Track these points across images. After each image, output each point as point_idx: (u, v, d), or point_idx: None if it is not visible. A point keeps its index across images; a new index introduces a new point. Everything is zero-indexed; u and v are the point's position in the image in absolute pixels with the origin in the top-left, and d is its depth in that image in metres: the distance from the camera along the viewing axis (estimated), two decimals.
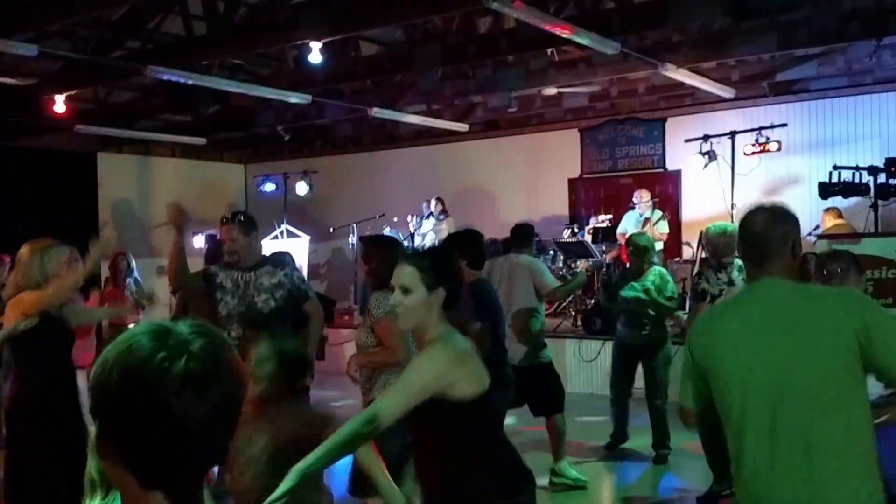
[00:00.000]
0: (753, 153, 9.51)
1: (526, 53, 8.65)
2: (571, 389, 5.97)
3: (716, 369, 2.29)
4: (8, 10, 6.71)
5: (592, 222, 10.87)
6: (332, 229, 12.81)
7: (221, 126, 12.06)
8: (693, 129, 10.30)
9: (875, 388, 2.38)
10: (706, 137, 9.66)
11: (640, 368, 6.45)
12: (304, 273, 10.94)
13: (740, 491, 2.29)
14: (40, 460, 3.74)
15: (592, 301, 9.45)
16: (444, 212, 11.54)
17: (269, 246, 12.44)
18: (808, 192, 9.02)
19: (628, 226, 10.19)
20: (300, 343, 3.37)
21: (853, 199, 7.90)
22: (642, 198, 10.22)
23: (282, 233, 12.83)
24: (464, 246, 4.95)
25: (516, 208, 11.96)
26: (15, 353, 3.93)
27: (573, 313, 9.86)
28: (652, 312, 6.18)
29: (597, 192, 11.94)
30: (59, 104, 8.69)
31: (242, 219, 4.65)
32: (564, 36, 6.65)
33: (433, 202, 11.58)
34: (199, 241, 12.33)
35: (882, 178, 7.09)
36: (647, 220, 10.11)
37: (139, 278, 8.38)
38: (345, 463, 4.45)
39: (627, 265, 6.73)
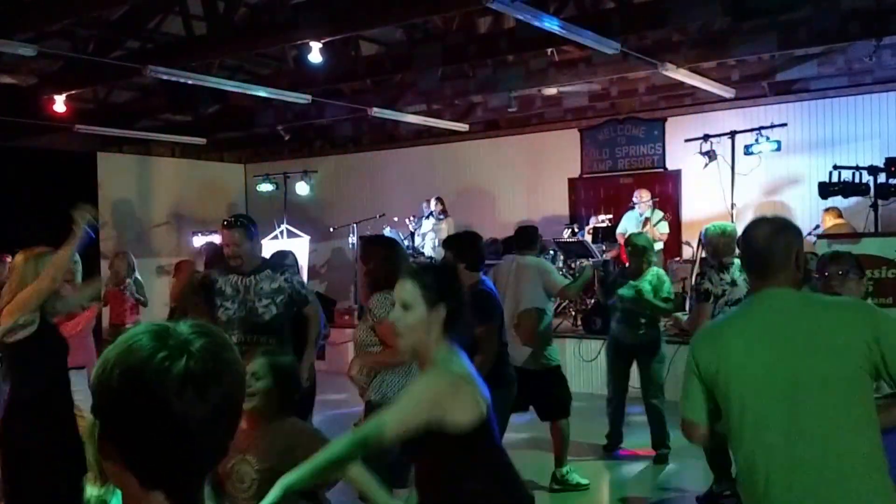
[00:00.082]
0: (752, 153, 9.51)
1: (526, 53, 8.65)
2: (571, 389, 5.96)
3: (726, 380, 2.26)
4: (8, 10, 6.71)
5: (592, 222, 10.87)
6: (332, 229, 12.81)
7: (221, 126, 12.06)
8: (693, 128, 10.29)
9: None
10: (706, 137, 9.66)
11: (635, 368, 6.46)
12: (305, 273, 10.97)
13: (751, 499, 2.26)
14: (39, 461, 3.75)
15: (592, 301, 9.45)
16: (443, 212, 11.54)
17: (269, 246, 12.45)
18: (808, 191, 9.02)
19: (628, 225, 10.19)
20: (294, 359, 3.38)
21: (853, 199, 7.90)
22: (642, 197, 10.23)
23: (282, 233, 12.83)
24: (461, 248, 4.95)
25: (516, 208, 11.98)
26: (13, 358, 3.93)
27: (573, 313, 9.86)
28: (647, 312, 6.20)
29: (597, 192, 11.93)
30: (59, 104, 8.69)
31: (244, 222, 4.63)
32: (564, 36, 6.65)
33: (433, 202, 11.57)
34: (199, 241, 12.35)
35: (882, 177, 7.09)
36: (647, 219, 10.11)
37: (139, 278, 8.38)
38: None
39: (626, 265, 6.74)
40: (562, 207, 12.07)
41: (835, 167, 7.47)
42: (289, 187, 13.01)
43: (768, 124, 9.54)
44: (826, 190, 7.45)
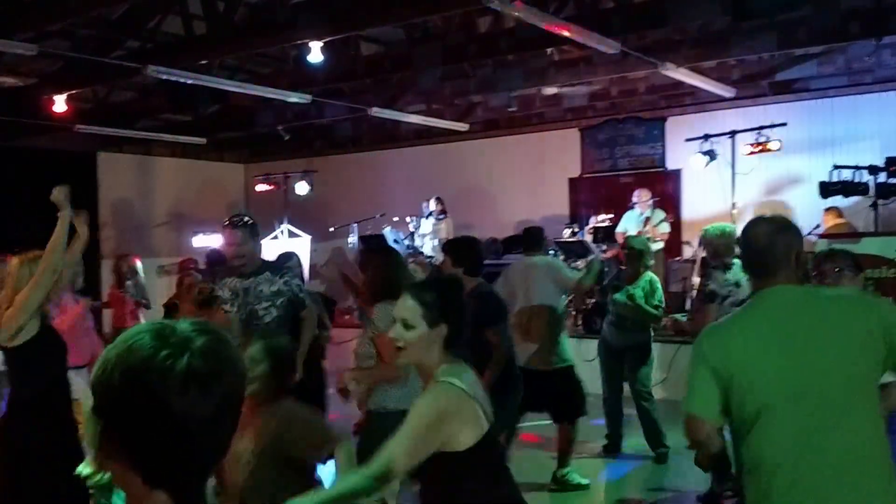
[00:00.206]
0: (753, 153, 9.51)
1: (526, 53, 8.64)
2: None
3: (738, 378, 2.25)
4: (8, 10, 6.71)
5: (592, 222, 10.86)
6: (332, 229, 12.80)
7: (221, 126, 12.05)
8: (693, 128, 10.29)
9: None
10: (706, 137, 9.67)
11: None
12: (307, 273, 10.94)
13: (759, 495, 2.26)
14: (39, 461, 3.74)
15: (592, 301, 9.45)
16: (443, 212, 11.54)
17: (269, 246, 12.44)
18: (809, 191, 9.01)
19: (628, 225, 10.19)
20: (290, 340, 3.37)
21: (853, 199, 7.91)
22: (642, 197, 10.23)
23: (282, 232, 12.84)
24: (460, 253, 4.94)
25: (516, 208, 11.97)
26: (13, 360, 3.91)
27: (573, 313, 9.86)
28: (638, 318, 6.25)
29: (597, 192, 11.92)
30: (59, 104, 8.68)
31: (247, 222, 4.58)
32: (564, 35, 6.65)
33: (432, 202, 11.57)
34: (199, 241, 12.35)
35: (882, 177, 7.11)
36: (647, 219, 10.11)
37: (142, 281, 8.35)
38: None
39: (622, 267, 6.76)
40: (562, 207, 12.06)
41: (835, 167, 7.49)
42: (289, 187, 13.01)
43: (768, 124, 9.54)
44: (826, 189, 7.46)
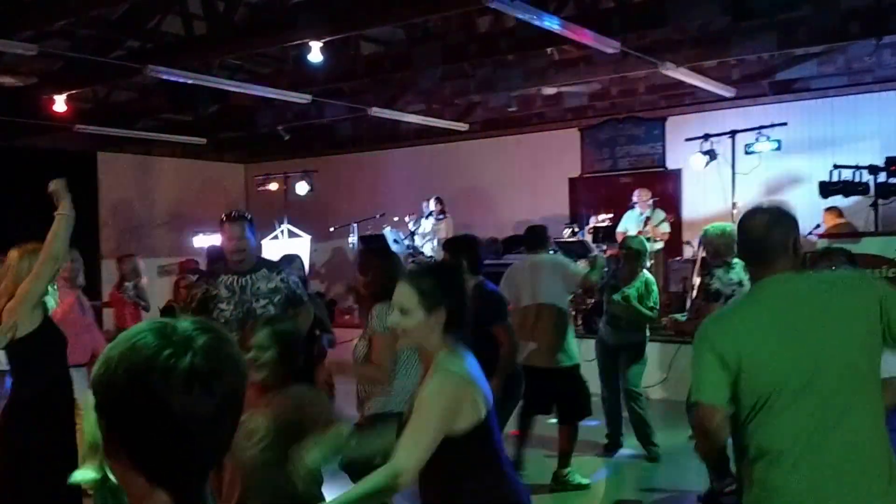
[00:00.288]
0: (753, 152, 9.51)
1: (526, 53, 8.64)
2: None
3: (746, 366, 2.24)
4: (8, 10, 6.70)
5: (593, 222, 10.85)
6: (332, 229, 12.81)
7: (221, 126, 12.05)
8: (693, 128, 10.29)
9: None
10: (706, 136, 9.66)
11: None
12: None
13: (763, 484, 2.26)
14: (39, 461, 3.74)
15: (592, 301, 9.45)
16: (442, 211, 11.54)
17: (269, 246, 12.45)
18: (809, 191, 9.02)
19: (629, 225, 10.19)
20: (295, 323, 3.35)
21: (853, 198, 7.91)
22: (642, 197, 10.23)
23: (282, 232, 12.84)
24: (460, 251, 4.94)
25: (516, 208, 11.97)
26: (14, 354, 3.90)
27: (573, 313, 9.85)
28: (633, 318, 6.27)
29: (597, 192, 11.92)
30: (59, 104, 8.68)
31: (246, 216, 4.55)
32: (564, 35, 6.65)
33: (432, 202, 11.57)
34: (199, 241, 12.35)
35: (882, 177, 7.10)
36: (647, 219, 10.11)
37: (143, 284, 8.35)
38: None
39: (618, 267, 6.77)
40: (562, 207, 12.06)
41: (835, 166, 7.49)
42: (289, 187, 13.01)
43: (768, 123, 9.54)
44: (826, 189, 7.46)
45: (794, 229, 2.38)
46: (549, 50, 8.70)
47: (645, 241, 7.03)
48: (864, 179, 7.33)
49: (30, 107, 9.28)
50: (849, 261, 3.74)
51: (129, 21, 8.08)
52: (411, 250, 11.11)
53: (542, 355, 5.55)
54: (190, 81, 8.11)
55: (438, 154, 13.09)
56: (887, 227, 7.46)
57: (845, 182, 7.39)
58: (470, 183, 12.61)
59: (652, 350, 7.46)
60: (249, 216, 4.59)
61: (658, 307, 6.47)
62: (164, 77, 7.81)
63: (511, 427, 5.55)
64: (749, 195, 9.99)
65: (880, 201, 7.12)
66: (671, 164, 11.35)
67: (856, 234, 7.10)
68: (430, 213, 11.52)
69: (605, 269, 6.29)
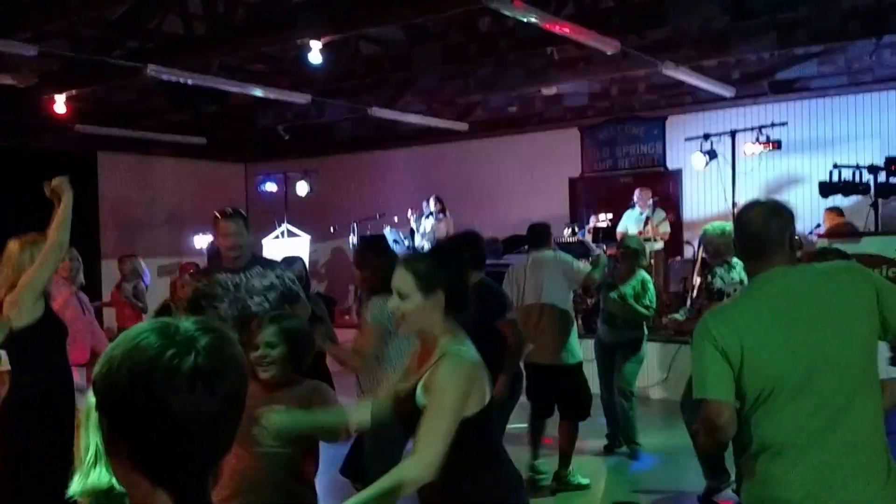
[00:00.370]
0: (753, 153, 9.52)
1: (526, 53, 8.64)
2: None
3: (748, 360, 2.23)
4: (8, 10, 6.70)
5: (593, 222, 10.86)
6: (332, 229, 12.81)
7: (221, 126, 12.06)
8: (693, 127, 10.30)
9: None
10: (707, 136, 9.67)
11: None
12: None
13: (758, 479, 2.26)
14: (39, 462, 3.73)
15: (592, 301, 9.45)
16: (442, 210, 11.54)
17: (270, 246, 12.45)
18: (809, 190, 9.02)
19: (629, 225, 10.19)
20: (302, 320, 3.34)
21: (853, 198, 7.90)
22: (643, 196, 10.23)
23: (282, 233, 12.84)
24: (462, 247, 4.93)
25: (516, 208, 11.96)
26: (13, 345, 3.89)
27: (573, 313, 9.84)
28: (629, 316, 6.29)
29: (597, 192, 11.92)
30: (59, 104, 8.69)
31: (241, 213, 4.49)
32: (564, 35, 6.65)
33: (432, 201, 11.58)
34: (199, 241, 12.36)
35: (882, 176, 7.09)
36: (648, 219, 10.11)
37: (142, 285, 8.36)
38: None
39: (615, 265, 6.78)
40: (562, 207, 12.06)
41: (835, 166, 7.48)
42: (289, 187, 13.01)
43: (768, 123, 9.54)
44: (826, 189, 7.45)
45: (790, 223, 2.39)
46: (549, 50, 8.69)
47: (642, 240, 7.04)
48: (863, 179, 7.32)
49: (30, 107, 9.29)
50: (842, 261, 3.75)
51: (129, 21, 8.07)
52: (411, 250, 11.10)
53: (546, 353, 5.55)
54: (190, 81, 8.11)
55: (438, 154, 13.08)
56: (887, 226, 7.46)
57: (845, 182, 7.38)
58: (470, 183, 12.61)
59: (652, 350, 7.47)
60: (243, 212, 4.56)
61: (654, 306, 6.48)
62: (164, 77, 7.81)
63: (510, 427, 5.54)
64: (749, 195, 9.99)
65: (880, 201, 7.12)
66: (671, 163, 11.35)
67: (856, 234, 7.09)
68: (430, 213, 11.53)
69: (607, 268, 6.30)
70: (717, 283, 5.19)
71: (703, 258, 7.77)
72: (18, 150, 11.28)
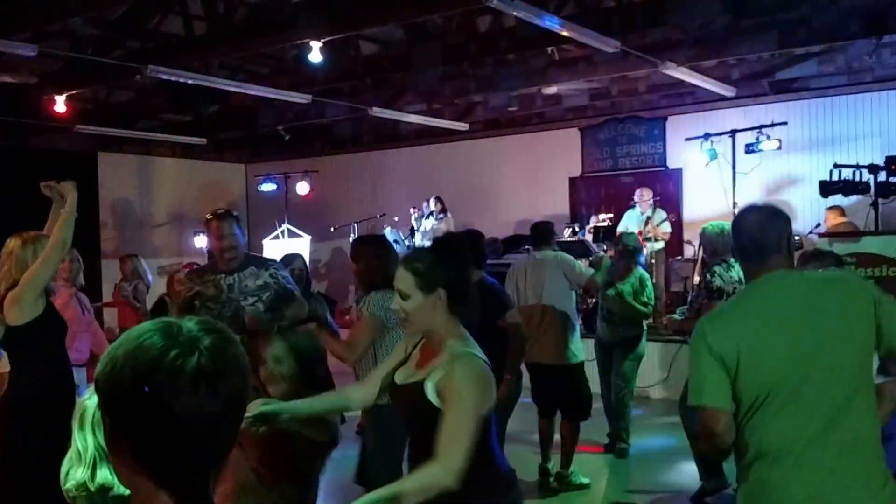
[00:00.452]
0: (753, 152, 9.51)
1: (526, 53, 8.64)
2: None
3: (745, 364, 2.22)
4: (8, 10, 6.70)
5: (593, 221, 10.85)
6: (332, 229, 12.81)
7: (221, 126, 12.05)
8: (694, 127, 10.30)
9: None
10: (707, 136, 9.67)
11: None
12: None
13: (767, 481, 2.25)
14: (39, 462, 3.73)
15: (593, 301, 9.45)
16: (443, 210, 11.54)
17: (270, 246, 12.45)
18: (809, 190, 9.02)
19: (629, 224, 10.18)
20: (311, 335, 3.33)
21: (854, 198, 7.90)
22: (643, 196, 10.22)
23: (283, 232, 12.84)
24: (463, 245, 4.92)
25: (517, 208, 11.97)
26: (13, 341, 3.89)
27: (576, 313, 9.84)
28: (627, 314, 6.30)
29: (597, 191, 11.92)
30: (59, 104, 8.69)
31: (234, 213, 4.46)
32: (564, 35, 6.65)
33: (432, 201, 11.58)
34: (199, 242, 12.35)
35: (882, 176, 7.08)
36: (648, 219, 10.11)
37: (142, 286, 8.35)
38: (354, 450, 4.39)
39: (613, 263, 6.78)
40: (562, 207, 12.05)
41: (835, 165, 7.47)
42: (289, 187, 13.01)
43: (769, 123, 9.54)
44: (827, 188, 7.44)
45: (787, 227, 2.40)
46: (549, 49, 8.70)
47: (647, 238, 7.05)
48: (864, 178, 7.31)
49: (30, 107, 9.29)
50: (836, 263, 3.76)
51: (129, 21, 8.07)
52: (412, 250, 11.11)
53: (549, 352, 5.55)
54: (190, 81, 8.11)
55: (438, 154, 13.08)
56: (887, 226, 7.45)
57: (845, 181, 7.37)
58: (470, 183, 12.61)
59: (652, 350, 7.46)
60: (235, 213, 4.54)
61: (653, 303, 6.49)
62: (164, 77, 7.81)
63: (512, 427, 5.53)
64: (749, 195, 9.99)
65: (880, 200, 7.11)
66: (672, 163, 11.34)
67: (856, 233, 7.09)
68: (431, 213, 11.53)
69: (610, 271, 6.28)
70: (717, 281, 5.18)
71: (703, 257, 7.77)
72: (18, 150, 11.28)
